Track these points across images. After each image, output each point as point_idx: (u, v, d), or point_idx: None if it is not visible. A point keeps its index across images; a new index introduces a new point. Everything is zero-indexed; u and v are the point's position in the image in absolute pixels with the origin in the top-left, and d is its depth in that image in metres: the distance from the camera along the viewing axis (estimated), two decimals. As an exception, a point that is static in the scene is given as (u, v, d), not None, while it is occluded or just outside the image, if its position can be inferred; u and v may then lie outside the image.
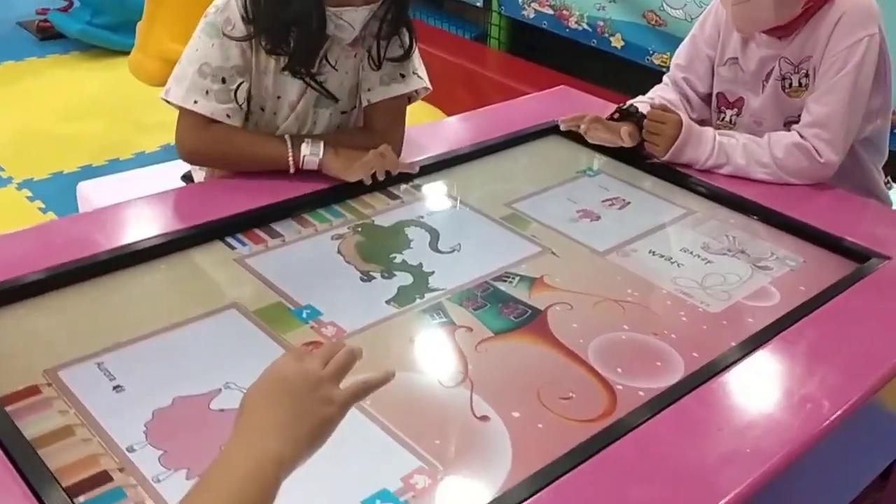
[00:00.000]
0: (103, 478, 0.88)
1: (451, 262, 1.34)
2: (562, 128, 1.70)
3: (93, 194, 1.93)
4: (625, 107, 1.68)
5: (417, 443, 0.97)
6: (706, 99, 1.82)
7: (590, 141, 1.68)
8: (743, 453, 0.97)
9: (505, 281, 1.29)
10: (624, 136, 1.63)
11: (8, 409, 0.96)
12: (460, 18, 4.03)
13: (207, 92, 1.42)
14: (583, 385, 1.09)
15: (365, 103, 1.56)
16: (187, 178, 1.74)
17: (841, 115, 1.57)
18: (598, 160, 1.70)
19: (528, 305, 1.24)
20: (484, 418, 1.02)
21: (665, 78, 1.86)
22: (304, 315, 1.18)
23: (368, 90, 1.54)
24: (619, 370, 1.11)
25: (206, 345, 1.12)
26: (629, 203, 1.56)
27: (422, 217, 1.46)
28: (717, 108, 1.80)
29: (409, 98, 1.62)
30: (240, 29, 1.42)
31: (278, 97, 1.51)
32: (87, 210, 1.85)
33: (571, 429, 1.00)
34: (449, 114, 2.18)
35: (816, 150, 1.57)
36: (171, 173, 1.84)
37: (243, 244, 1.33)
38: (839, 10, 1.57)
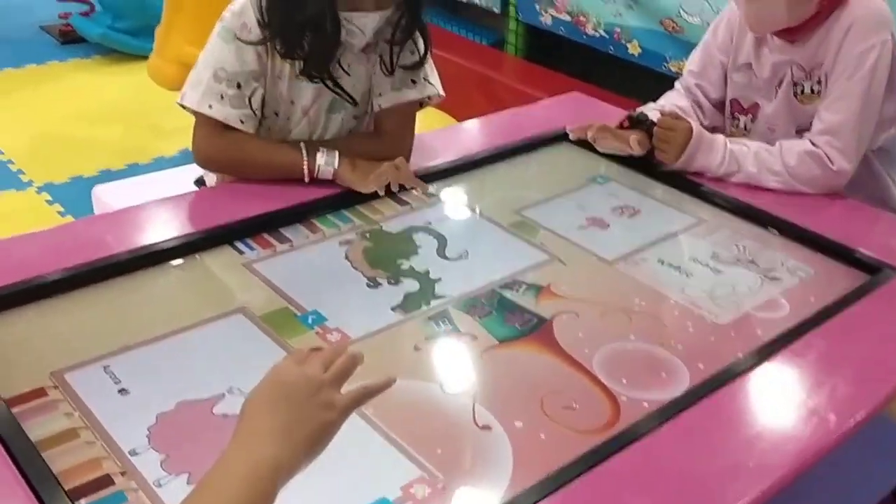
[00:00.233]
0: (105, 481, 0.89)
1: (459, 269, 1.34)
2: (571, 137, 1.70)
3: (108, 198, 1.95)
4: (634, 114, 1.67)
5: (418, 451, 0.97)
6: (719, 105, 1.81)
7: (599, 149, 1.67)
8: (748, 467, 0.96)
9: (512, 289, 1.29)
10: (633, 144, 1.62)
11: (14, 410, 0.97)
12: (478, 24, 4.03)
13: (222, 97, 1.43)
14: (586, 395, 1.08)
15: (376, 108, 1.56)
16: (200, 182, 1.76)
17: (853, 123, 1.56)
18: (609, 167, 1.69)
19: (534, 314, 1.23)
20: (486, 427, 1.01)
21: (677, 84, 1.85)
22: (310, 321, 1.18)
23: (380, 95, 1.55)
24: (624, 381, 1.10)
25: (211, 349, 1.12)
26: (639, 211, 1.55)
27: (430, 223, 1.46)
28: (731, 114, 1.79)
29: (421, 104, 1.62)
30: (255, 33, 1.43)
31: (292, 102, 1.52)
32: (105, 213, 1.87)
33: (574, 439, 1.00)
34: (462, 120, 2.18)
35: (829, 158, 1.56)
36: (186, 177, 1.84)
37: (252, 249, 1.34)
38: (851, 16, 1.56)
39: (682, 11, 3.00)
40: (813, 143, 1.58)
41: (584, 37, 3.39)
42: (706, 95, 1.79)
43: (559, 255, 1.39)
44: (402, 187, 1.49)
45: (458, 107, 3.33)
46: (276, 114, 1.52)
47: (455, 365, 1.12)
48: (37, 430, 0.95)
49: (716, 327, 1.23)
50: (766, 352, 1.14)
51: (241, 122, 1.44)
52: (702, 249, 1.43)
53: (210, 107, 1.43)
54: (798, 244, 1.45)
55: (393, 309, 1.23)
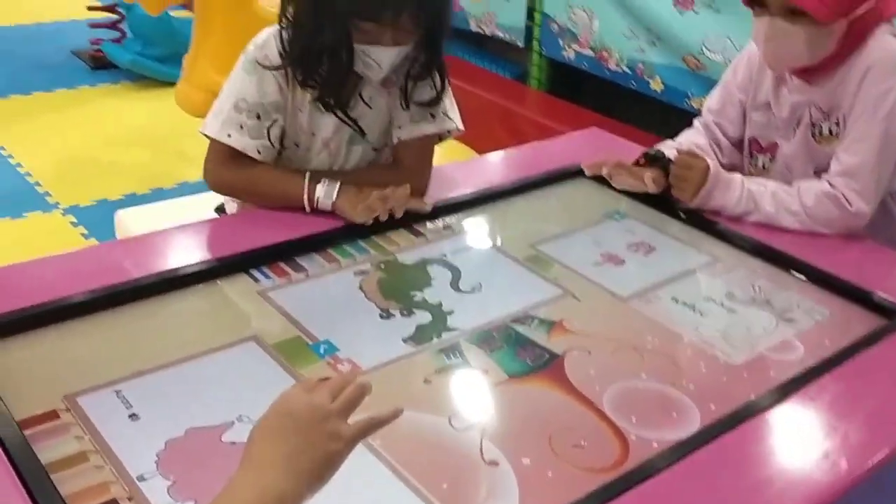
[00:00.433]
0: (111, 506, 0.90)
1: (472, 302, 1.35)
2: (586, 173, 1.71)
3: (130, 222, 1.98)
4: (651, 152, 1.68)
5: (424, 485, 0.96)
6: (737, 144, 1.81)
7: (615, 186, 1.68)
8: (756, 510, 0.95)
9: (524, 323, 1.29)
10: (648, 182, 1.62)
11: (27, 432, 0.98)
12: (501, 58, 4.07)
13: (242, 126, 1.46)
14: (595, 433, 1.08)
15: (395, 140, 1.58)
16: (220, 209, 1.78)
17: (871, 165, 1.55)
18: (626, 204, 1.69)
19: (545, 349, 1.23)
20: (493, 463, 1.01)
21: (696, 122, 1.85)
22: (322, 350, 1.19)
23: (399, 128, 1.57)
24: (634, 419, 1.10)
25: (223, 377, 1.13)
26: (654, 248, 1.55)
27: (445, 255, 1.47)
28: (750, 153, 1.79)
29: (440, 137, 1.63)
30: (276, 64, 1.46)
31: (313, 134, 1.54)
32: (125, 238, 1.90)
33: (581, 478, 0.99)
34: (484, 152, 2.20)
35: (847, 200, 1.55)
36: (207, 204, 1.87)
37: (267, 277, 1.35)
38: (870, 58, 1.56)
39: (704, 49, 3.02)
40: (831, 185, 1.58)
41: (607, 72, 3.41)
42: (725, 134, 1.80)
43: (573, 291, 1.39)
44: (419, 216, 1.51)
45: (480, 139, 3.35)
46: (297, 145, 1.55)
47: (464, 399, 1.12)
48: (47, 452, 0.96)
49: (729, 368, 1.22)
50: (778, 394, 1.13)
51: (259, 152, 1.47)
52: (717, 288, 1.43)
53: (229, 136, 1.46)
54: (815, 285, 1.44)
55: (404, 340, 1.23)
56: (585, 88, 3.72)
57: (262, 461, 0.75)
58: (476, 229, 1.58)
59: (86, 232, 2.87)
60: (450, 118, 1.59)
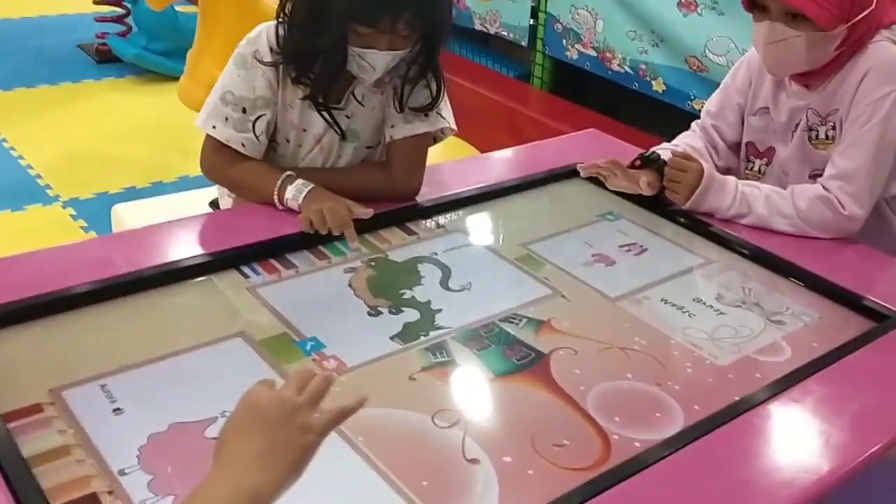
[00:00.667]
0: (92, 500, 0.90)
1: (461, 300, 1.35)
2: (581, 174, 1.70)
3: (127, 217, 1.99)
4: (647, 154, 1.68)
5: (404, 483, 0.97)
6: (734, 147, 1.81)
7: (609, 188, 1.68)
8: (736, 512, 0.96)
9: (512, 322, 1.29)
10: (643, 185, 1.62)
11: (10, 425, 0.99)
12: (505, 57, 4.07)
13: (227, 119, 1.47)
14: (578, 433, 1.08)
15: (387, 139, 1.58)
16: (214, 204, 1.79)
17: (866, 169, 1.55)
18: (620, 205, 1.69)
19: (532, 348, 1.23)
20: (474, 461, 1.01)
21: (693, 125, 1.85)
22: (308, 347, 1.19)
23: (392, 126, 1.57)
24: (617, 419, 1.10)
25: (208, 372, 1.14)
26: (646, 249, 1.55)
27: (436, 254, 1.47)
28: (747, 157, 1.79)
29: (435, 138, 1.64)
30: (268, 60, 1.46)
31: (304, 130, 1.55)
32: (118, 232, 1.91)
33: (561, 477, 1.00)
34: (486, 151, 2.20)
35: (840, 203, 1.55)
36: (204, 199, 1.88)
37: (257, 273, 1.36)
38: (868, 63, 1.56)
39: (707, 51, 3.01)
40: (825, 188, 1.58)
41: (610, 72, 3.41)
42: (722, 137, 1.80)
43: (562, 291, 1.39)
44: (413, 214, 1.50)
45: (482, 138, 3.36)
46: (288, 140, 1.55)
47: (448, 397, 1.13)
48: (30, 445, 0.96)
49: (714, 369, 1.22)
50: (762, 396, 1.13)
51: (243, 145, 1.48)
52: (707, 290, 1.43)
53: (214, 127, 1.47)
54: (805, 288, 1.44)
55: (391, 338, 1.23)
56: (588, 89, 3.72)
57: (235, 460, 0.76)
58: (469, 228, 1.58)
59: (85, 225, 2.88)
60: (443, 117, 1.59)
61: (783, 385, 1.15)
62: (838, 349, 1.24)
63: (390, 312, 1.29)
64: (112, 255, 1.33)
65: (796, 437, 1.08)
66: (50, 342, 1.16)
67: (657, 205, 1.66)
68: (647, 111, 3.39)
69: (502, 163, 1.88)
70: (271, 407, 0.78)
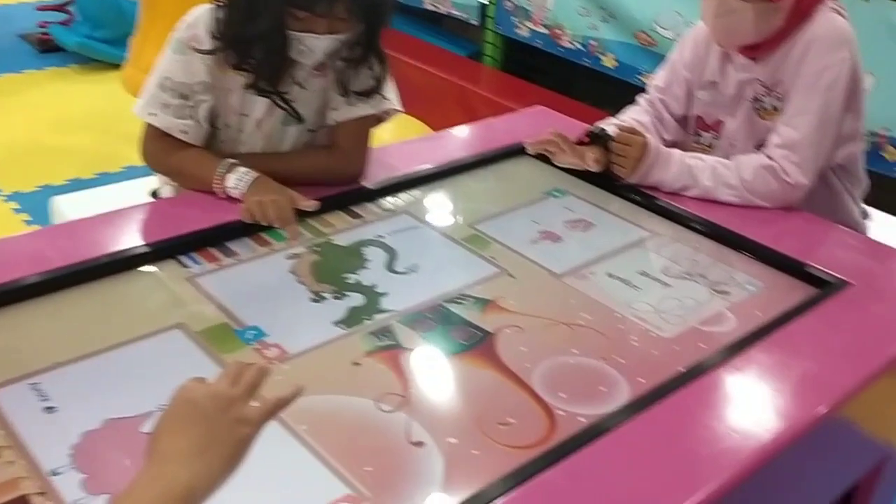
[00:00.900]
0: (22, 503, 0.88)
1: (406, 283, 1.33)
2: (529, 151, 1.69)
3: (66, 209, 1.94)
4: (594, 129, 1.67)
5: (347, 469, 0.95)
6: (682, 121, 1.81)
7: (557, 164, 1.67)
8: (681, 482, 0.96)
9: (458, 303, 1.28)
10: (589, 162, 1.62)
11: (-62, 428, 0.96)
12: (457, 36, 4.05)
13: (166, 106, 1.44)
14: (524, 410, 1.07)
15: (331, 122, 1.55)
16: (155, 194, 1.75)
17: (811, 138, 1.56)
18: (566, 181, 1.68)
19: (478, 328, 1.23)
20: (419, 444, 1.00)
21: (640, 99, 1.85)
22: (249, 336, 1.17)
23: (334, 109, 1.54)
24: (563, 395, 1.09)
25: (146, 366, 1.11)
26: (593, 225, 1.54)
27: (382, 237, 1.45)
28: (695, 130, 1.79)
29: (379, 119, 1.61)
30: (207, 44, 1.43)
31: (244, 114, 1.51)
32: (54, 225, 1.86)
33: (506, 455, 0.99)
34: (440, 130, 2.17)
35: (785, 172, 1.56)
36: (145, 188, 1.84)
37: (197, 263, 1.33)
38: (812, 34, 1.56)
39: (655, 25, 3.02)
40: (770, 158, 1.58)
41: (561, 49, 3.40)
42: (670, 111, 1.79)
43: (509, 269, 1.38)
44: (359, 197, 1.47)
45: (436, 118, 3.34)
46: (229, 126, 1.52)
47: (393, 381, 1.11)
48: (-42, 448, 0.93)
49: (659, 341, 1.22)
50: (706, 366, 1.13)
51: (184, 132, 1.44)
52: (653, 263, 1.43)
53: (153, 115, 1.43)
54: (750, 258, 1.45)
55: (335, 324, 1.22)
56: (540, 66, 3.71)
57: (168, 456, 0.74)
58: (415, 209, 1.56)
59: (29, 219, 2.81)
60: (387, 99, 1.57)
61: (726, 355, 1.15)
62: (781, 317, 1.25)
63: (334, 298, 1.28)
64: (46, 249, 1.29)
65: (739, 406, 1.09)
66: (-21, 341, 1.12)
67: (604, 180, 1.66)
68: (598, 87, 3.40)
69: (449, 142, 1.86)
70: (205, 401, 0.76)
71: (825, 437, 1.13)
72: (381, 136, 2.78)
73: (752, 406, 1.08)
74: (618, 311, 1.28)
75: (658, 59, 2.91)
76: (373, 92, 1.52)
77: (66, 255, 1.28)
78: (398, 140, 2.54)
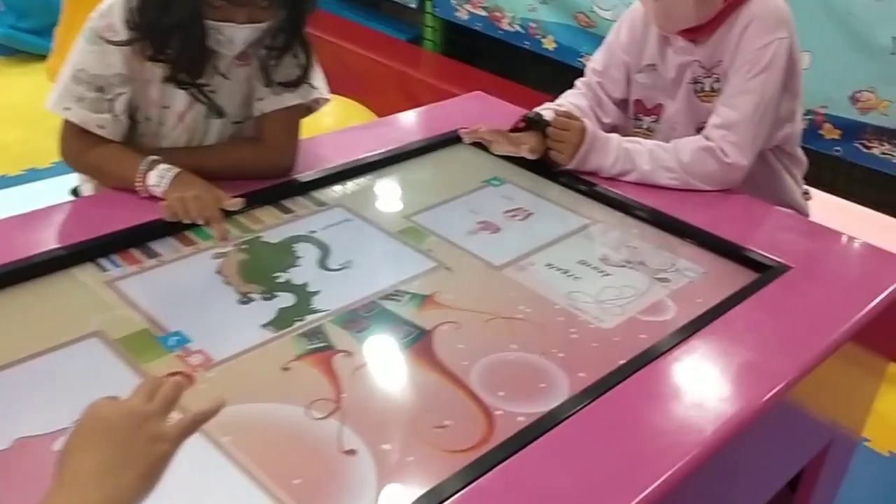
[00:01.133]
0: (-82, 534, 0.81)
1: (340, 280, 1.28)
2: (464, 140, 1.65)
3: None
4: (531, 115, 1.64)
5: (275, 482, 0.91)
6: (621, 104, 1.78)
7: (494, 153, 1.63)
8: (624, 480, 0.93)
9: (394, 300, 1.24)
10: (524, 151, 1.58)
11: None
12: (397, 20, 3.98)
13: (81, 99, 1.36)
14: (461, 411, 1.03)
15: (257, 113, 1.49)
16: (75, 192, 1.66)
17: (749, 118, 1.55)
18: (505, 169, 1.65)
19: (414, 326, 1.18)
20: (351, 452, 0.96)
21: (578, 83, 1.82)
22: (171, 343, 1.11)
23: (260, 100, 1.48)
24: (501, 394, 1.06)
25: (60, 378, 1.04)
26: (532, 214, 1.51)
27: (314, 232, 1.40)
28: (635, 115, 1.77)
29: (309, 108, 1.56)
30: (122, 35, 1.35)
31: (165, 107, 1.44)
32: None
33: (443, 461, 0.95)
34: (384, 115, 2.11)
35: (723, 152, 1.54)
36: (65, 186, 1.75)
37: (117, 265, 1.26)
38: (750, 14, 1.55)
39: (594, 6, 2.99)
40: (708, 139, 1.57)
41: (500, 32, 3.36)
42: (608, 94, 1.77)
43: (446, 262, 1.34)
44: (289, 191, 1.41)
45: (379, 104, 3.29)
46: (149, 118, 1.45)
47: (324, 386, 1.06)
48: None
49: (599, 333, 1.19)
50: (646, 357, 1.11)
51: (101, 126, 1.37)
52: (592, 252, 1.40)
53: (67, 109, 1.36)
54: (690, 243, 1.43)
55: (264, 326, 1.16)
56: (482, 50, 3.67)
57: (79, 477, 0.69)
58: (349, 202, 1.50)
59: (-48, 221, 2.68)
60: (314, 87, 1.51)
61: (667, 345, 1.13)
62: (722, 304, 1.23)
63: (263, 298, 1.22)
64: (-50, 257, 1.21)
65: (682, 398, 1.06)
66: None
67: (542, 167, 1.62)
68: (541, 70, 3.37)
69: (385, 131, 1.80)
70: (118, 418, 0.72)
71: (771, 424, 1.11)
72: (324, 121, 2.73)
73: (695, 397, 1.06)
74: (557, 303, 1.25)
75: (598, 40, 2.89)
76: (299, 81, 1.46)
77: (-27, 261, 1.20)
78: (342, 125, 2.48)
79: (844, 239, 1.45)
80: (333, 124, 2.91)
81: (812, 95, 2.14)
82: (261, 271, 1.28)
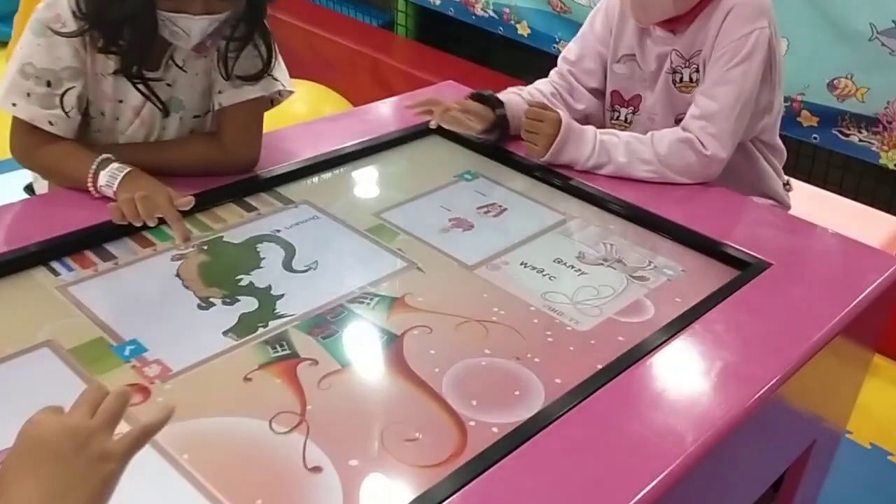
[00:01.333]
0: None
1: (305, 282, 1.23)
2: (430, 125, 1.58)
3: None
4: (482, 92, 1.60)
5: (235, 502, 0.86)
6: (595, 93, 1.74)
7: (445, 127, 1.57)
8: (602, 493, 0.89)
9: (362, 303, 1.19)
10: (466, 120, 1.53)
11: None
12: (368, 5, 3.90)
13: (29, 94, 1.29)
14: (432, 423, 0.99)
15: (216, 106, 1.43)
16: (30, 189, 1.59)
17: (728, 109, 1.51)
18: (479, 162, 1.60)
19: (383, 330, 1.13)
20: (316, 469, 0.91)
21: (552, 73, 1.77)
22: (127, 352, 1.05)
23: (220, 93, 1.42)
24: (475, 402, 1.01)
25: (7, 392, 0.98)
26: (506, 210, 1.46)
27: (278, 231, 1.34)
28: (612, 106, 1.73)
29: (272, 101, 1.49)
30: (70, 26, 1.28)
31: (120, 101, 1.38)
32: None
33: (413, 477, 0.91)
34: (358, 104, 2.05)
35: (702, 143, 1.51)
36: (19, 183, 1.68)
37: (70, 269, 1.20)
38: (730, 4, 1.53)
39: (569, -9, 2.94)
40: (686, 130, 1.53)
41: (474, 17, 3.30)
42: (581, 84, 1.72)
43: (418, 262, 1.29)
44: (251, 188, 1.36)
45: (353, 91, 3.22)
46: (103, 114, 1.38)
47: (288, 397, 1.01)
48: None
49: (576, 335, 1.15)
50: (624, 362, 1.07)
51: (51, 123, 1.30)
52: (567, 249, 1.35)
53: (14, 105, 1.29)
54: (667, 239, 1.39)
55: (224, 333, 1.11)
56: (456, 35, 3.61)
57: (16, 504, 0.64)
58: (316, 199, 1.45)
59: None
60: (276, 79, 1.45)
61: (645, 349, 1.09)
62: (701, 304, 1.19)
63: (224, 303, 1.16)
64: None
65: (661, 405, 1.02)
66: None
67: (515, 161, 1.57)
68: (516, 56, 3.31)
69: (353, 123, 1.74)
70: (59, 437, 0.67)
71: (755, 428, 1.08)
72: (296, 108, 2.66)
73: (675, 404, 1.02)
74: (532, 305, 1.21)
75: (573, 25, 2.86)
76: (260, 73, 1.39)
77: (-86, 268, 1.13)
78: (315, 112, 2.41)
79: (825, 233, 1.42)
80: (306, 112, 2.84)
81: (790, 82, 2.10)
82: (222, 274, 1.23)
